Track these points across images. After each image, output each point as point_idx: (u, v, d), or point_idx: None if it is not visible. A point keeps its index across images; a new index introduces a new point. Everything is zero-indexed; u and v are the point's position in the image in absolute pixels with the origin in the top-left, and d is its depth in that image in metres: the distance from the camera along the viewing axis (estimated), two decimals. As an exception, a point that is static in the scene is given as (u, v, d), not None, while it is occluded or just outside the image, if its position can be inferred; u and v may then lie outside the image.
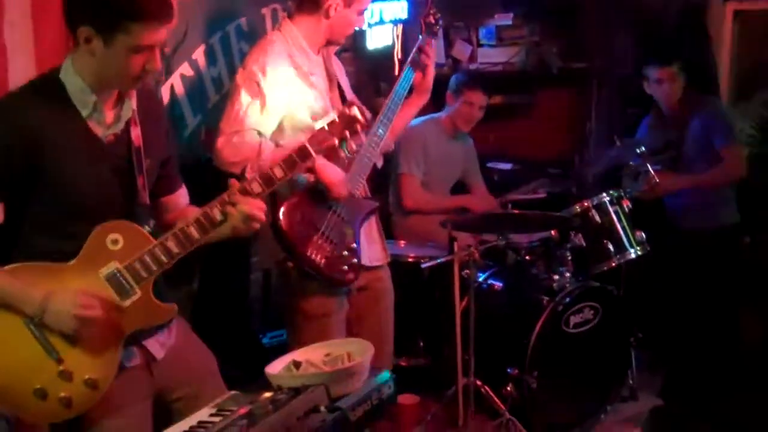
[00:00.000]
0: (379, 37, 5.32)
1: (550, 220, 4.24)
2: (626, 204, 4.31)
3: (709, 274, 4.69)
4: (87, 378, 2.30)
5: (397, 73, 5.30)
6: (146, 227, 2.44)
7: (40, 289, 2.25)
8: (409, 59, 3.53)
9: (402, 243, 4.62)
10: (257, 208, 2.47)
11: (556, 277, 4.13)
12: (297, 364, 2.44)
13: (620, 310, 4.17)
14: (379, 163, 3.52)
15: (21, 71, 2.97)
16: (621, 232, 4.27)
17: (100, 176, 2.37)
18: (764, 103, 6.03)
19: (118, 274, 2.33)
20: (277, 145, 3.23)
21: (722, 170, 4.62)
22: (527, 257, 4.35)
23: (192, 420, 2.17)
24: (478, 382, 3.86)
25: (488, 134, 5.17)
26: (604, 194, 4.30)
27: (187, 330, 2.72)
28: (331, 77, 3.42)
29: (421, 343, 4.39)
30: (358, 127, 2.70)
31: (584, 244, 4.22)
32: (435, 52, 3.57)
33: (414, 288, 4.05)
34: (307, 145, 2.61)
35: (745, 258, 5.20)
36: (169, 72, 3.66)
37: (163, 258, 2.37)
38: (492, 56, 5.94)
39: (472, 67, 5.87)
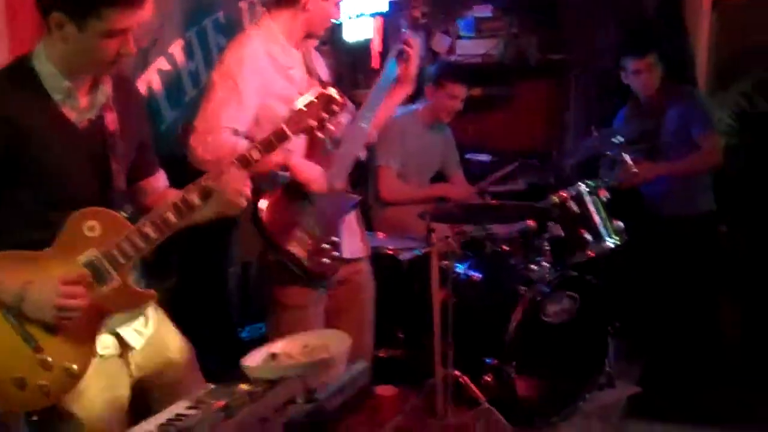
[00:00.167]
0: (359, 30, 5.32)
1: (528, 211, 4.26)
2: (603, 194, 4.32)
3: (687, 262, 4.74)
4: (66, 366, 2.30)
5: (376, 66, 5.32)
6: (123, 213, 2.44)
7: (17, 278, 2.25)
8: (394, 51, 3.54)
9: (381, 235, 4.63)
10: (241, 181, 2.47)
11: (535, 267, 4.14)
12: (274, 356, 2.46)
13: (598, 299, 4.19)
14: (363, 155, 3.54)
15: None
16: (599, 222, 4.28)
17: (76, 162, 2.37)
18: (741, 93, 6.07)
19: (96, 261, 2.33)
20: (253, 140, 3.23)
21: (700, 158, 4.66)
22: (505, 248, 4.37)
23: (169, 413, 2.17)
24: (457, 373, 3.87)
25: (467, 126, 5.18)
26: (582, 184, 4.31)
27: (164, 320, 2.71)
28: (310, 71, 3.42)
29: (400, 335, 4.40)
30: (336, 107, 2.69)
31: (562, 234, 4.24)
32: (419, 43, 3.58)
33: (393, 279, 4.06)
34: (284, 127, 2.60)
35: (723, 247, 5.24)
36: (145, 66, 3.65)
37: (141, 243, 2.36)
38: (471, 48, 5.96)
39: (452, 59, 5.88)
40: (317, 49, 3.57)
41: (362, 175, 4.74)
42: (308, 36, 3.38)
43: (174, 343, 2.71)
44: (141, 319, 2.56)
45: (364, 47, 5.39)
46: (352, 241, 3.53)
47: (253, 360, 2.45)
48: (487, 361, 3.89)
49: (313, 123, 2.65)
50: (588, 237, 4.24)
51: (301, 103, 2.69)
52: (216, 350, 3.16)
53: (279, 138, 2.59)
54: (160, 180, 2.72)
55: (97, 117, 2.41)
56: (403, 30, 3.57)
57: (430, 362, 3.87)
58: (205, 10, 4.00)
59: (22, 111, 2.27)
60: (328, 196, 3.30)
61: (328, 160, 3.31)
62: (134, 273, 2.50)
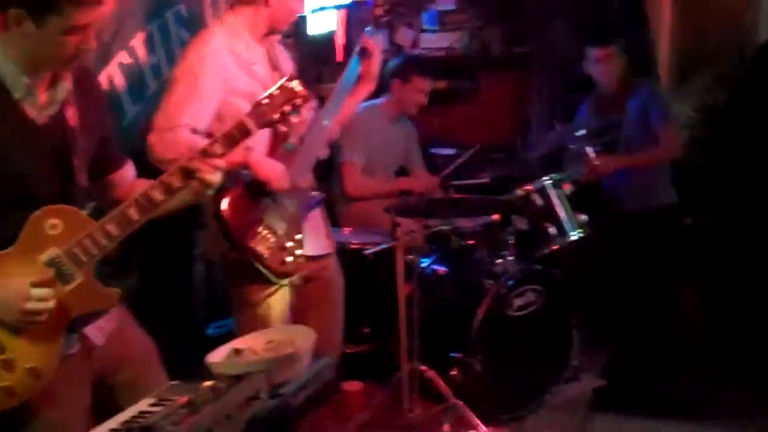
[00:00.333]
0: (322, 23, 5.30)
1: (493, 204, 4.27)
2: (567, 187, 4.35)
3: (649, 254, 4.77)
4: (29, 367, 2.26)
5: (340, 58, 5.31)
6: (85, 210, 2.40)
7: None
8: (356, 49, 3.54)
9: (346, 230, 4.63)
10: (213, 165, 2.44)
11: (499, 260, 4.16)
12: (238, 352, 2.44)
13: (562, 292, 4.21)
14: (325, 154, 3.53)
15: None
16: (562, 215, 4.30)
17: (36, 160, 2.33)
18: (703, 87, 6.13)
19: (58, 260, 2.29)
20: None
21: (659, 149, 4.70)
22: (470, 241, 4.37)
23: (132, 410, 2.15)
24: (423, 367, 3.86)
25: (431, 119, 5.18)
26: (546, 178, 4.33)
27: (126, 316, 2.69)
28: (275, 67, 3.40)
29: (366, 330, 4.40)
30: (299, 100, 2.66)
31: (527, 228, 4.26)
32: (382, 41, 3.57)
33: (358, 274, 4.05)
34: (245, 119, 2.54)
35: (686, 239, 5.29)
36: (106, 60, 3.61)
37: (104, 241, 2.32)
38: (434, 41, 5.97)
39: (415, 52, 5.88)
40: (280, 42, 3.55)
41: (327, 170, 4.73)
42: (272, 31, 3.37)
43: (136, 342, 2.68)
44: (104, 317, 2.52)
45: (327, 40, 5.38)
46: (317, 237, 3.51)
47: (217, 356, 2.44)
48: (453, 355, 3.88)
49: (276, 116, 2.61)
50: (552, 230, 4.26)
51: (263, 96, 2.65)
52: (182, 348, 3.14)
53: (241, 131, 2.53)
54: (127, 171, 2.69)
55: (57, 113, 2.37)
56: (366, 29, 3.57)
57: (396, 357, 3.87)
58: (166, 3, 3.95)
59: None
60: (290, 193, 3.29)
61: (291, 157, 3.29)
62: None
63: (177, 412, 1.95)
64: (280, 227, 3.25)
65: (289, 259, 3.27)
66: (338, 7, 5.39)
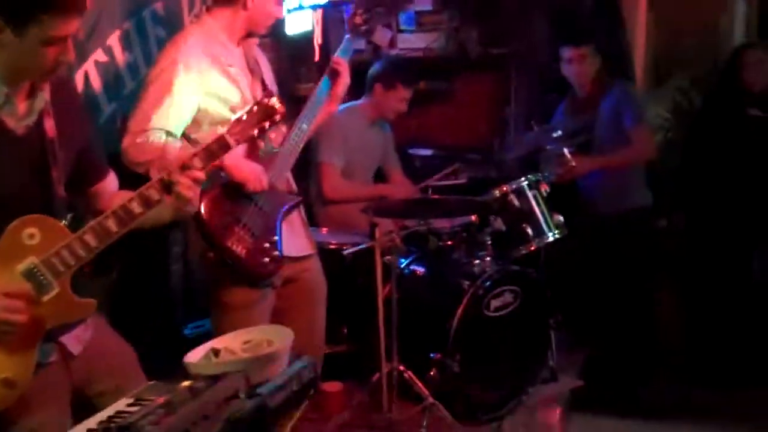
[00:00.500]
0: (299, 23, 5.29)
1: (470, 205, 4.28)
2: (544, 188, 4.37)
3: (624, 256, 4.79)
4: (4, 377, 2.24)
5: (317, 59, 5.29)
6: (63, 221, 2.39)
7: None
8: (327, 69, 3.58)
9: (324, 230, 4.62)
10: (192, 177, 2.44)
11: (477, 261, 4.17)
12: (216, 352, 2.42)
13: (540, 293, 4.22)
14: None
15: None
16: (539, 216, 4.32)
17: (14, 169, 2.32)
18: (678, 89, 6.17)
19: (35, 270, 2.27)
20: (192, 139, 3.21)
21: (631, 151, 4.72)
22: (448, 242, 4.38)
23: (109, 410, 2.13)
24: (402, 368, 3.87)
25: (408, 121, 5.18)
26: (523, 178, 4.35)
27: (104, 325, 2.68)
28: (252, 69, 3.40)
29: (345, 330, 4.39)
30: (277, 117, 2.68)
31: (504, 228, 4.27)
32: (347, 65, 3.59)
33: (336, 275, 4.02)
34: (226, 136, 2.58)
35: (661, 241, 5.32)
36: (83, 58, 3.58)
37: (81, 252, 2.32)
38: (412, 42, 5.96)
39: (393, 52, 5.88)
40: (258, 42, 3.55)
41: (304, 171, 4.71)
42: (249, 34, 3.37)
43: (115, 350, 2.67)
44: (81, 326, 2.51)
45: (305, 40, 5.36)
46: (296, 239, 3.51)
47: (195, 356, 2.42)
48: (431, 355, 3.88)
49: (255, 132, 2.63)
50: (529, 231, 4.28)
51: (242, 112, 2.66)
52: (159, 348, 3.12)
53: (221, 146, 2.56)
54: (110, 183, 2.68)
55: (36, 123, 2.37)
56: (338, 52, 3.60)
57: (375, 357, 3.87)
58: (143, 2, 3.93)
59: None
60: (268, 195, 3.29)
61: (268, 159, 3.30)
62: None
63: (155, 412, 1.94)
64: (258, 228, 3.24)
65: (266, 259, 3.26)
66: (314, 7, 5.38)
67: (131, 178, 2.74)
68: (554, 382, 4.43)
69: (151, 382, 2.35)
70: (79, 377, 2.52)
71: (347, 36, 3.66)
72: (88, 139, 2.59)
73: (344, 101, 4.03)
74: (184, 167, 2.46)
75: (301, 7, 5.25)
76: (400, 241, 3.91)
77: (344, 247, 3.95)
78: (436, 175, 4.90)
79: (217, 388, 2.08)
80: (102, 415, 2.11)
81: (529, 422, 4.08)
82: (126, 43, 3.82)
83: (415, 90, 5.02)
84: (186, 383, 2.13)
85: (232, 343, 2.48)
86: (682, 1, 6.32)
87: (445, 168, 5.01)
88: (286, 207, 3.40)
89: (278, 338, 2.47)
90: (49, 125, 2.38)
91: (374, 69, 4.95)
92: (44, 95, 2.38)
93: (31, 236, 2.28)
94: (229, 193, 3.20)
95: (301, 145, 3.46)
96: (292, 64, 5.40)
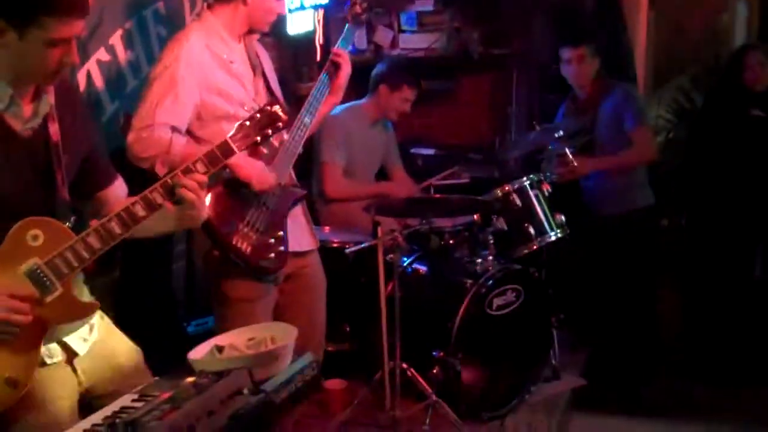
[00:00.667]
0: (301, 22, 5.29)
1: (473, 204, 4.27)
2: (546, 187, 4.37)
3: (626, 256, 4.79)
4: (7, 377, 2.24)
5: (319, 58, 5.30)
6: (67, 223, 2.39)
7: None
8: (327, 63, 3.57)
9: (327, 228, 4.62)
10: (196, 180, 2.44)
11: (479, 260, 4.16)
12: (220, 349, 2.43)
13: (542, 291, 4.22)
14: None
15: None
16: (541, 215, 4.33)
17: (18, 171, 2.32)
18: (679, 89, 6.18)
19: (38, 271, 2.27)
20: (196, 135, 3.21)
21: (632, 152, 4.71)
22: (450, 241, 4.37)
23: (114, 406, 2.14)
24: (405, 366, 3.86)
25: (410, 120, 5.18)
26: (525, 178, 4.35)
27: (109, 325, 2.67)
28: (254, 65, 3.40)
29: (348, 328, 4.39)
30: (280, 124, 2.69)
31: (506, 228, 4.27)
32: (348, 56, 3.58)
33: (339, 273, 4.03)
34: (229, 141, 2.57)
35: (663, 241, 5.33)
36: (85, 57, 3.59)
37: (84, 254, 2.32)
38: (413, 42, 5.96)
39: (394, 52, 5.88)
40: (260, 41, 3.55)
41: (306, 169, 4.72)
42: (250, 31, 3.37)
43: (122, 348, 2.67)
44: (86, 327, 2.52)
45: (307, 39, 5.37)
46: (299, 234, 3.52)
47: (199, 353, 2.43)
48: (434, 353, 3.88)
49: (257, 139, 2.64)
50: (531, 230, 4.28)
51: (245, 118, 2.67)
52: (162, 346, 3.12)
53: (224, 152, 2.55)
54: (118, 189, 2.68)
55: (41, 126, 2.37)
56: (345, 26, 3.59)
57: (377, 356, 3.87)
58: (145, 0, 3.94)
59: None
60: (272, 190, 3.28)
61: (272, 155, 3.31)
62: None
63: (159, 408, 1.94)
64: (262, 224, 3.25)
65: (271, 255, 3.27)
66: (316, 7, 5.38)
67: (136, 178, 2.74)
68: (557, 381, 4.44)
69: (156, 378, 2.35)
70: (85, 377, 2.51)
71: (347, 25, 3.66)
72: (93, 144, 2.59)
73: (346, 100, 4.03)
74: (187, 170, 2.47)
75: (302, 7, 5.26)
76: (402, 240, 3.91)
77: (346, 246, 3.95)
78: (437, 176, 4.91)
79: (221, 383, 2.08)
80: (107, 411, 2.12)
81: (532, 421, 4.07)
82: (128, 41, 3.83)
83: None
84: (190, 379, 2.13)
85: (236, 340, 2.50)
86: (684, 1, 6.33)
87: (446, 167, 5.02)
88: (291, 201, 3.41)
89: (282, 335, 2.48)
90: (54, 129, 2.39)
91: (379, 69, 4.96)
92: (49, 99, 2.38)
93: (35, 237, 2.28)
94: (233, 189, 3.21)
95: (304, 139, 3.46)
96: (294, 64, 5.41)
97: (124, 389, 2.48)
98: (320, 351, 3.68)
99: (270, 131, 2.65)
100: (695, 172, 5.21)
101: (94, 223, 2.36)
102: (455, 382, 3.88)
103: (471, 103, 5.96)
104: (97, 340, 2.56)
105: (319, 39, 5.35)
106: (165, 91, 3.12)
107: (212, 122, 3.21)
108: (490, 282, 4.00)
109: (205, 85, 3.19)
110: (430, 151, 5.74)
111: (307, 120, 3.44)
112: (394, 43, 5.97)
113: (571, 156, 4.58)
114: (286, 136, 3.32)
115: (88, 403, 2.52)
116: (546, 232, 4.32)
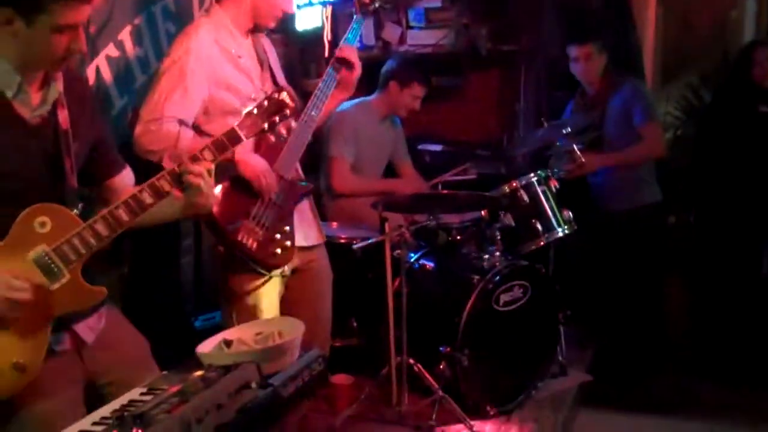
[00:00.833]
0: (309, 19, 5.30)
1: (480, 200, 4.28)
2: (554, 184, 4.38)
3: (633, 252, 4.79)
4: (15, 362, 2.26)
5: (327, 55, 5.31)
6: (75, 210, 2.41)
7: None
8: (332, 60, 3.56)
9: (334, 224, 4.63)
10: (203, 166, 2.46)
11: (486, 256, 4.17)
12: (228, 343, 2.45)
13: (549, 287, 4.22)
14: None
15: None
16: (549, 212, 4.33)
17: (27, 158, 2.34)
18: (687, 85, 6.17)
19: (46, 257, 2.30)
20: (202, 130, 3.22)
21: (641, 148, 4.72)
22: (458, 237, 4.38)
23: (123, 399, 2.16)
24: (411, 361, 3.87)
25: (419, 116, 5.18)
26: (532, 174, 4.36)
27: (118, 315, 2.70)
28: (261, 60, 3.41)
29: (355, 324, 4.39)
30: (287, 111, 2.70)
31: (513, 224, 4.27)
32: (355, 51, 3.58)
33: (346, 269, 4.05)
34: (237, 129, 2.59)
35: (671, 237, 5.32)
36: (94, 53, 3.60)
37: (92, 241, 2.34)
38: (421, 38, 5.95)
39: (402, 49, 5.88)
40: (269, 37, 3.56)
41: (314, 163, 4.72)
42: (258, 26, 3.38)
43: (129, 339, 2.69)
44: (94, 315, 2.53)
45: (315, 36, 5.37)
46: (306, 228, 3.53)
47: (207, 347, 2.44)
48: (441, 349, 3.89)
49: (265, 126, 2.64)
50: (539, 226, 4.28)
51: (252, 106, 2.68)
52: (170, 340, 3.13)
53: (232, 140, 2.57)
54: (126, 178, 2.70)
55: (50, 114, 2.39)
56: (354, 17, 3.59)
57: (384, 351, 3.87)
58: (153, -4, 3.96)
59: None
60: (278, 185, 3.30)
61: (278, 149, 3.31)
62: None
63: (168, 401, 1.95)
64: (269, 220, 3.26)
65: (278, 250, 3.28)
66: (324, 4, 5.39)
67: (143, 171, 2.75)
68: (563, 377, 4.43)
69: (164, 372, 2.37)
70: (92, 366, 2.53)
71: (355, 16, 3.65)
72: (101, 133, 2.62)
73: (355, 96, 4.03)
74: (194, 158, 2.48)
75: (311, 4, 5.27)
76: (409, 236, 3.92)
77: (354, 241, 3.96)
78: (445, 174, 4.91)
79: (230, 377, 2.10)
80: (115, 404, 2.13)
81: (538, 417, 4.07)
82: (137, 37, 3.84)
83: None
84: (198, 373, 2.14)
85: (244, 335, 2.51)
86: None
87: (454, 163, 5.02)
88: (298, 196, 3.42)
89: (289, 330, 2.49)
90: (63, 116, 2.41)
91: (389, 66, 4.96)
92: (57, 86, 2.40)
93: (43, 224, 2.30)
94: (239, 186, 3.22)
95: (311, 133, 3.46)
96: (302, 60, 5.42)
97: (131, 378, 2.50)
98: (326, 345, 3.69)
99: (277, 118, 2.66)
100: (703, 169, 5.20)
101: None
102: (462, 377, 3.88)
103: (479, 99, 5.96)
104: (105, 329, 2.57)
105: (327, 35, 5.35)
106: (174, 84, 3.13)
107: (219, 117, 3.22)
108: (497, 278, 4.01)
109: (214, 80, 3.20)
110: (438, 148, 5.74)
111: (313, 113, 3.44)
112: (402, 40, 5.96)
113: (579, 152, 4.57)
114: (294, 125, 3.31)
115: (94, 390, 2.55)
116: (553, 228, 4.32)
